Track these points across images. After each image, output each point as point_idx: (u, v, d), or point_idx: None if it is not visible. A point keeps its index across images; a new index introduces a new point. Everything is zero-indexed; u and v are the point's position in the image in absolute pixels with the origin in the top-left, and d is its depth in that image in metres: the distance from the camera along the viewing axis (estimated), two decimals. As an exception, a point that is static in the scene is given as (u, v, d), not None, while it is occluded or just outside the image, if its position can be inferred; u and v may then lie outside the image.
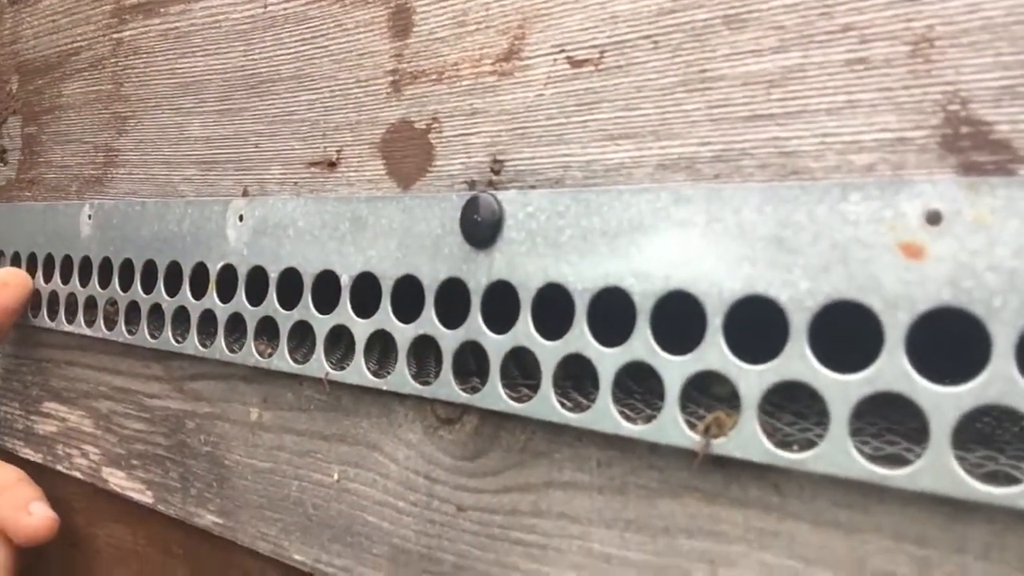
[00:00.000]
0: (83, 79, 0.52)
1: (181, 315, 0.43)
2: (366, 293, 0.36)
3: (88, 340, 0.50)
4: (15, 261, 0.55)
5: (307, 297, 0.37)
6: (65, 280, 0.51)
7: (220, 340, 0.41)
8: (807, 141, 0.24)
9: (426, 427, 0.33)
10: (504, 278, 0.30)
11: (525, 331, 0.30)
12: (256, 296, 0.40)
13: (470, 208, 0.31)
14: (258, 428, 0.40)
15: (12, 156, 0.58)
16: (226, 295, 0.41)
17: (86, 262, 0.50)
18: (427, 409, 0.33)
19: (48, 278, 0.52)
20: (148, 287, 0.45)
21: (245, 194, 0.41)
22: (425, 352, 0.36)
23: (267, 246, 0.39)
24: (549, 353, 0.29)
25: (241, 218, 0.41)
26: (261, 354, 0.39)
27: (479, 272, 0.31)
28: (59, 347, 0.53)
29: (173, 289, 0.44)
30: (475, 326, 0.31)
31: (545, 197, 0.30)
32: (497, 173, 0.32)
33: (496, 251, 0.31)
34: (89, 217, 0.50)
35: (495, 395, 0.31)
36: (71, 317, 0.50)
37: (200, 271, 0.42)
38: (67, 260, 0.51)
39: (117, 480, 0.48)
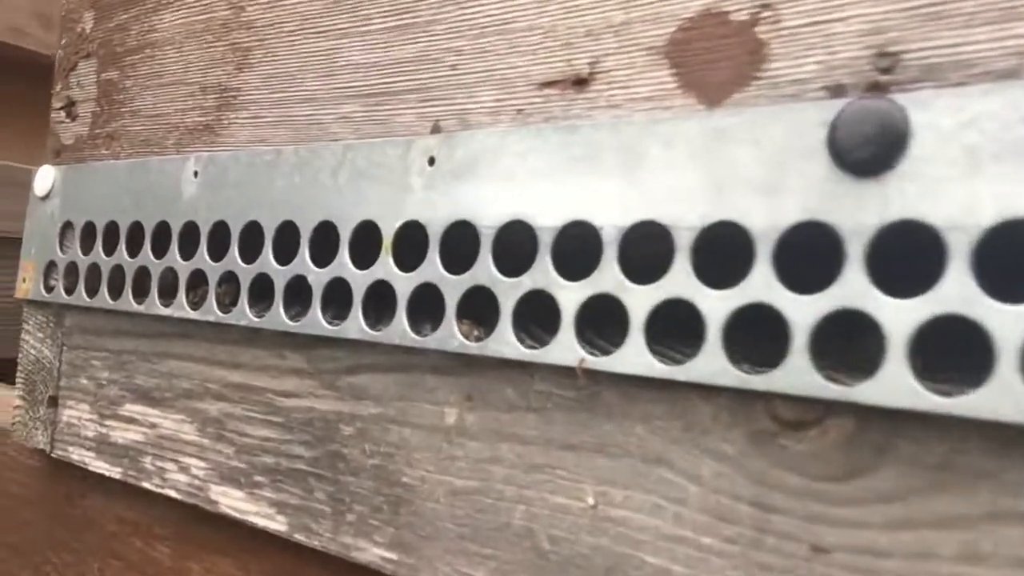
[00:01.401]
0: (186, 7, 0.43)
1: (335, 290, 0.34)
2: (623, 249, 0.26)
3: (191, 326, 0.40)
4: (89, 233, 0.45)
5: (546, 259, 0.28)
6: (159, 253, 0.41)
7: (401, 319, 0.31)
8: None
9: (753, 433, 0.24)
10: (913, 217, 0.21)
11: (960, 293, 0.20)
12: (448, 262, 0.30)
13: (848, 120, 0.22)
14: (457, 434, 0.30)
15: (84, 108, 0.48)
16: (403, 262, 0.32)
17: (190, 229, 0.40)
18: (756, 408, 0.24)
19: (134, 252, 0.42)
20: (282, 257, 0.36)
21: (436, 130, 0.32)
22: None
23: (472, 195, 0.30)
24: (1009, 329, 0.20)
25: (432, 160, 0.31)
26: (467, 336, 0.30)
27: (863, 212, 0.22)
28: (148, 336, 0.43)
29: (322, 258, 0.34)
30: (857, 288, 0.22)
31: (995, 94, 0.20)
32: (888, 71, 0.22)
33: (894, 179, 0.21)
34: (195, 173, 0.40)
35: (901, 387, 0.21)
36: (167, 299, 0.40)
37: (363, 233, 0.33)
38: (162, 228, 0.41)
39: (231, 502, 0.38)
